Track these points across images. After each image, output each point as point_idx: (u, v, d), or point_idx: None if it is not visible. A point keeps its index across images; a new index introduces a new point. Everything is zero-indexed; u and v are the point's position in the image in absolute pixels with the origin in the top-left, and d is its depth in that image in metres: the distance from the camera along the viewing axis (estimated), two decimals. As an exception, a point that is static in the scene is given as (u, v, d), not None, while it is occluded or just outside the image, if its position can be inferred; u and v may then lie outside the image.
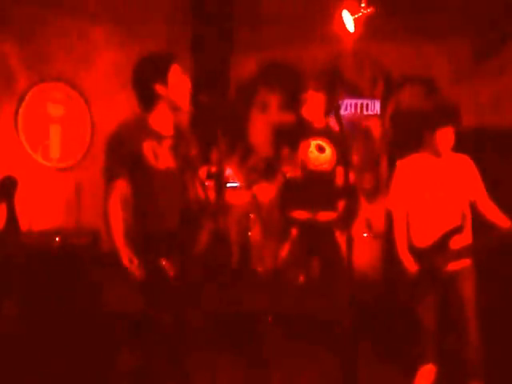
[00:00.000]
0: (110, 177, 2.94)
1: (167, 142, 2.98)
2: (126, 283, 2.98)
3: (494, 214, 3.77)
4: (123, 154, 2.90)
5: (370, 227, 4.35)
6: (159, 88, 2.92)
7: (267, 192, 4.42)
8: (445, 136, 3.78)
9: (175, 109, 2.98)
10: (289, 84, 6.07)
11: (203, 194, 3.07)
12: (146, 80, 2.93)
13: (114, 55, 6.10)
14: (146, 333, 3.04)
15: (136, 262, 2.86)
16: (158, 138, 2.95)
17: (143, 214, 2.96)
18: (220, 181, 3.10)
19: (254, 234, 5.35)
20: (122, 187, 2.93)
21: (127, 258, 2.85)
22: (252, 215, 5.35)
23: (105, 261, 4.91)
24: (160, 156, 2.93)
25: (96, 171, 5.73)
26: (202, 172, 3.26)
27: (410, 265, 3.81)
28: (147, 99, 2.97)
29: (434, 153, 3.85)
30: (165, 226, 2.96)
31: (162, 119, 2.98)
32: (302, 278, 4.15)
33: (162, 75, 2.92)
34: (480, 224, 3.82)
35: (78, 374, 3.78)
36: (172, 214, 2.98)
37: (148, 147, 2.91)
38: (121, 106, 5.96)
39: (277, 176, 4.20)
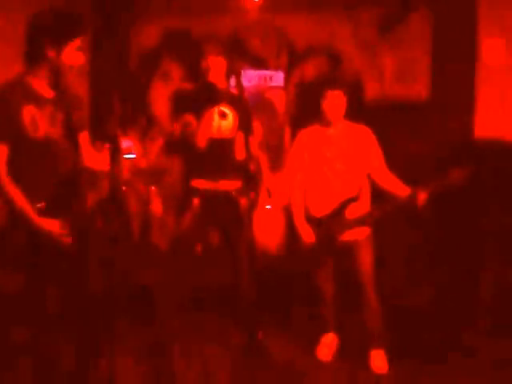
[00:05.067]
0: None
1: (49, 106, 2.80)
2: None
3: (392, 184, 3.80)
4: (2, 117, 2.70)
5: (272, 198, 4.28)
6: (50, 52, 2.74)
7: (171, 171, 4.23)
8: (331, 101, 3.76)
9: (59, 76, 2.82)
10: (191, 54, 5.92)
11: (85, 162, 2.95)
12: (39, 37, 2.75)
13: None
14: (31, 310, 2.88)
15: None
16: (39, 101, 2.77)
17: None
18: (115, 150, 2.92)
19: (155, 206, 5.22)
20: (2, 152, 2.72)
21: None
22: (152, 188, 5.20)
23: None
24: (39, 123, 2.75)
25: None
26: (85, 137, 3.03)
27: (307, 235, 3.81)
28: (34, 57, 2.78)
29: (326, 122, 3.84)
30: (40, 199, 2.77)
31: (44, 81, 2.81)
32: (199, 249, 4.06)
33: (58, 42, 2.74)
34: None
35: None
36: (48, 187, 2.80)
37: (27, 113, 2.72)
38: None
39: (182, 150, 4.06)
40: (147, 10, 6.10)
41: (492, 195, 4.53)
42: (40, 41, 2.73)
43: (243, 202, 3.98)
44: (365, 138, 3.86)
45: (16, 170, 2.74)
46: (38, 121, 2.74)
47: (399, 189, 3.74)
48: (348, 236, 3.80)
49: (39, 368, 2.94)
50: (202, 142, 3.82)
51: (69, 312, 2.96)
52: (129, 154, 5.09)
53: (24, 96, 2.73)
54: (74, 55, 2.79)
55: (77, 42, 2.79)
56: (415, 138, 5.18)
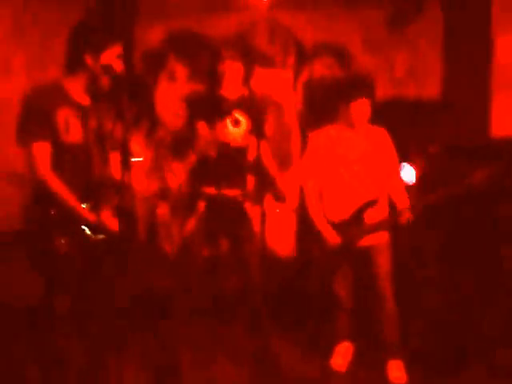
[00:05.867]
0: (28, 139, 2.74)
1: (83, 113, 2.84)
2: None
3: (395, 191, 3.72)
4: (40, 116, 2.73)
5: (282, 202, 4.17)
6: (89, 59, 2.78)
7: (178, 175, 4.17)
8: (360, 108, 3.69)
9: (97, 83, 2.85)
10: (198, 53, 5.81)
11: (111, 172, 2.98)
12: (78, 44, 2.81)
13: (11, 15, 5.60)
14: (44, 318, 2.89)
15: None
16: (74, 106, 2.81)
17: None
18: (125, 155, 2.89)
19: (162, 211, 5.12)
20: (45, 148, 2.74)
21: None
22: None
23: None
24: (72, 127, 2.78)
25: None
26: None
27: (332, 237, 3.70)
28: (73, 63, 2.83)
29: (349, 124, 3.74)
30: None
31: (81, 88, 2.84)
32: (205, 254, 3.99)
33: (97, 50, 2.78)
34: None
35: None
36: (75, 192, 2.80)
37: (62, 116, 2.75)
38: (19, 73, 5.55)
39: (188, 155, 3.97)
40: (151, 9, 6.00)
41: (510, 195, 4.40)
42: (79, 47, 2.78)
43: (253, 207, 3.88)
44: (382, 141, 3.76)
45: (54, 168, 2.78)
46: (70, 125, 2.77)
47: (400, 200, 3.66)
48: (367, 241, 3.68)
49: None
50: (214, 149, 3.76)
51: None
52: (136, 157, 5.00)
53: (60, 100, 2.77)
54: (112, 62, 2.82)
55: (115, 50, 2.82)
56: (429, 138, 5.05)
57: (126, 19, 5.95)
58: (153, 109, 5.90)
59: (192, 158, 3.88)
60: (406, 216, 3.58)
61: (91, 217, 2.80)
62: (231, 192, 3.88)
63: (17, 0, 5.55)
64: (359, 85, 3.77)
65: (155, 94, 5.96)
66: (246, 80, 4.04)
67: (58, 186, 2.75)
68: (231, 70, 3.81)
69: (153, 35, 6.08)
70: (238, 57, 3.83)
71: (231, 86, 3.83)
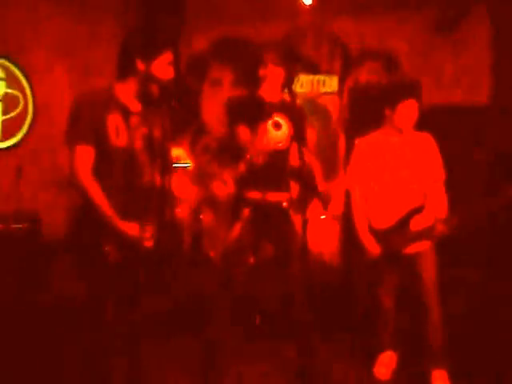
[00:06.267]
0: (73, 142, 2.76)
1: (133, 119, 2.84)
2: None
3: (434, 200, 3.64)
4: (88, 120, 2.73)
5: (327, 208, 4.14)
6: (140, 66, 2.79)
7: (228, 184, 4.17)
8: (406, 111, 3.62)
9: (147, 90, 2.86)
10: (243, 59, 5.83)
11: (160, 180, 2.94)
12: (130, 51, 2.82)
13: (58, 28, 5.75)
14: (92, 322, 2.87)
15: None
16: (125, 112, 2.81)
17: None
18: (170, 162, 2.92)
19: (207, 217, 5.13)
20: (87, 153, 2.74)
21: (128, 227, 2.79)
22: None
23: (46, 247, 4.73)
24: (122, 133, 2.78)
25: (38, 153, 5.50)
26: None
27: (372, 247, 3.65)
28: (124, 70, 2.85)
29: (396, 130, 3.68)
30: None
31: (132, 94, 2.85)
32: (251, 261, 3.96)
33: (148, 57, 2.80)
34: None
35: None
36: (121, 196, 2.82)
37: (112, 122, 2.76)
38: (64, 84, 5.67)
39: (236, 162, 3.97)
40: (197, 16, 6.04)
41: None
42: (131, 54, 2.79)
43: (297, 213, 3.85)
44: (428, 147, 3.69)
45: (96, 174, 2.77)
46: (120, 131, 2.78)
47: (438, 209, 3.59)
48: (412, 249, 3.62)
49: None
50: (256, 154, 3.73)
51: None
52: (182, 163, 5.03)
53: (110, 105, 2.78)
54: (163, 69, 2.83)
55: (166, 57, 2.83)
56: (476, 144, 4.95)
57: (173, 27, 6.02)
58: (198, 115, 5.95)
59: (241, 167, 3.87)
60: (440, 229, 3.51)
61: (125, 227, 2.78)
62: (275, 197, 3.84)
63: (62, 12, 5.70)
64: (406, 87, 3.71)
65: (200, 100, 6.01)
66: (288, 84, 4.03)
67: (95, 193, 2.73)
68: (272, 74, 3.78)
69: (197, 42, 6.14)
70: (279, 61, 3.80)
71: (272, 90, 3.81)
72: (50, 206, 5.29)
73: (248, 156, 3.76)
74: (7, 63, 5.52)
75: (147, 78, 2.81)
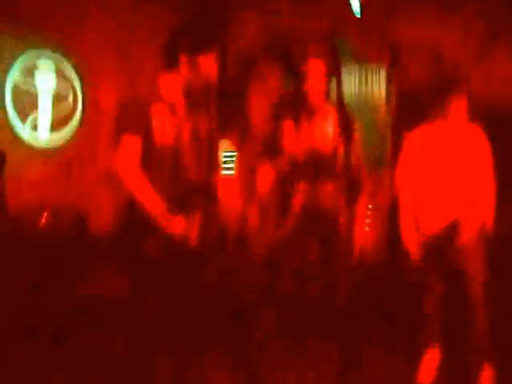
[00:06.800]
0: (121, 131, 2.80)
1: (178, 114, 2.89)
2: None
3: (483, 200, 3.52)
4: (135, 110, 2.80)
5: (372, 206, 4.09)
6: (186, 60, 2.85)
7: (269, 179, 4.13)
8: (458, 104, 3.54)
9: (192, 85, 2.92)
10: (291, 56, 5.79)
11: (207, 176, 2.99)
12: (175, 48, 2.89)
13: (109, 23, 5.79)
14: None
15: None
16: (170, 107, 2.86)
17: None
18: (216, 158, 2.96)
19: (251, 214, 5.10)
20: (135, 143, 2.74)
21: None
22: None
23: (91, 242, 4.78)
24: (166, 128, 2.82)
25: (86, 149, 5.57)
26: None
27: (416, 253, 3.60)
28: (169, 66, 2.89)
29: (446, 123, 3.60)
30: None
31: (177, 89, 2.90)
32: (300, 260, 3.94)
33: (192, 54, 2.87)
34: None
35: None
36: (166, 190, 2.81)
37: (156, 112, 2.79)
38: (116, 81, 5.71)
39: (279, 157, 3.93)
40: (243, 12, 6.03)
41: None
42: (176, 52, 2.85)
43: (343, 212, 3.81)
44: (478, 140, 3.62)
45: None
46: (165, 125, 2.80)
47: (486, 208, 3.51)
48: (461, 251, 3.55)
49: None
50: (300, 151, 3.70)
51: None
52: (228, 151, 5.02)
53: (155, 97, 2.85)
54: (208, 65, 2.89)
55: (212, 53, 2.90)
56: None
57: (220, 22, 6.02)
58: (245, 111, 5.93)
59: (283, 162, 3.83)
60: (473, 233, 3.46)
61: (171, 224, 2.78)
62: (322, 193, 3.81)
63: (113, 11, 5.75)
64: (457, 80, 3.65)
65: (247, 96, 5.99)
66: (333, 79, 3.98)
67: (142, 186, 2.72)
68: (314, 67, 3.73)
69: (244, 38, 6.12)
70: (321, 53, 3.74)
71: (316, 85, 3.75)
72: (98, 202, 5.34)
73: (291, 153, 3.73)
74: (59, 58, 5.57)
75: (192, 74, 2.85)
